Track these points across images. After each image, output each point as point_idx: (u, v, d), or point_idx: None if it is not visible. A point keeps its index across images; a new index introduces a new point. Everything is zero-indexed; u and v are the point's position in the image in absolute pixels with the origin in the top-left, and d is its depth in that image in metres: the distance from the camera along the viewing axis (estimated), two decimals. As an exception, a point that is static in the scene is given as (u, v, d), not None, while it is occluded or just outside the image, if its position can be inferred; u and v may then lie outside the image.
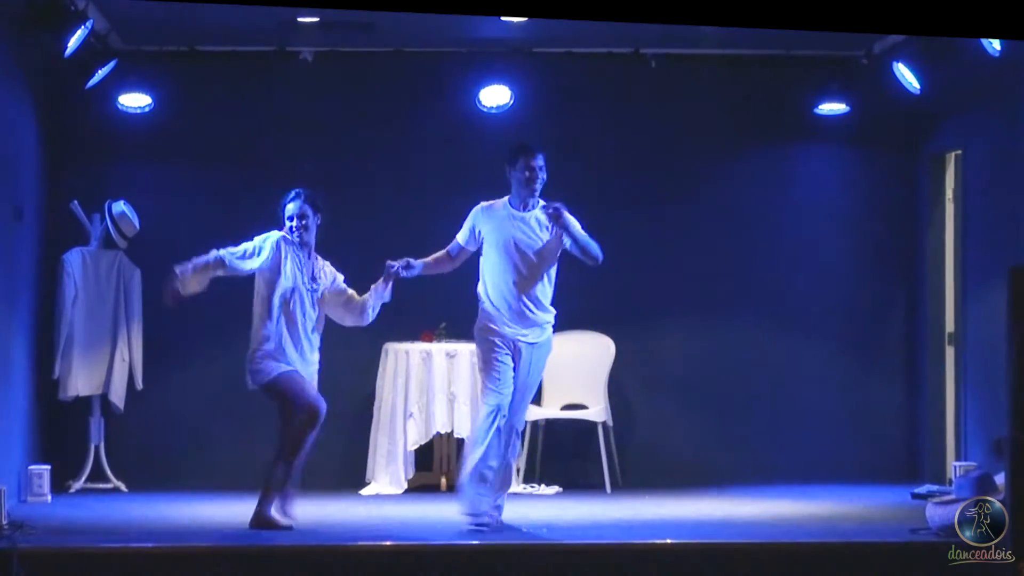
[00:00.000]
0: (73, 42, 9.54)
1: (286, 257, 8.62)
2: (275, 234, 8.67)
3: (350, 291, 8.78)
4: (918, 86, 10.36)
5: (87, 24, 9.58)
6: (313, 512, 9.29)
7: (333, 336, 10.83)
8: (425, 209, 10.91)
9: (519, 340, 8.40)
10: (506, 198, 8.56)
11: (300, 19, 10.05)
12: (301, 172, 10.90)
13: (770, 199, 11.10)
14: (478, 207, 8.60)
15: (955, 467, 9.77)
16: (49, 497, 9.72)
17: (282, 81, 10.82)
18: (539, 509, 9.22)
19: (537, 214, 8.45)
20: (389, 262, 8.64)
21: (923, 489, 9.89)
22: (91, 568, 7.58)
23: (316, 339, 8.77)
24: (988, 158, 9.96)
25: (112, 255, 10.43)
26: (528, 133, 10.83)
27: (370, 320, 8.79)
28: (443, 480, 10.45)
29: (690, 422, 11.02)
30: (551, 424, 10.61)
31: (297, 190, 8.74)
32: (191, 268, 8.53)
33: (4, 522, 8.17)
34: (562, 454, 10.72)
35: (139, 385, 10.44)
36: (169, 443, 10.69)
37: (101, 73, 10.26)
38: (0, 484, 8.34)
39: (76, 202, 10.34)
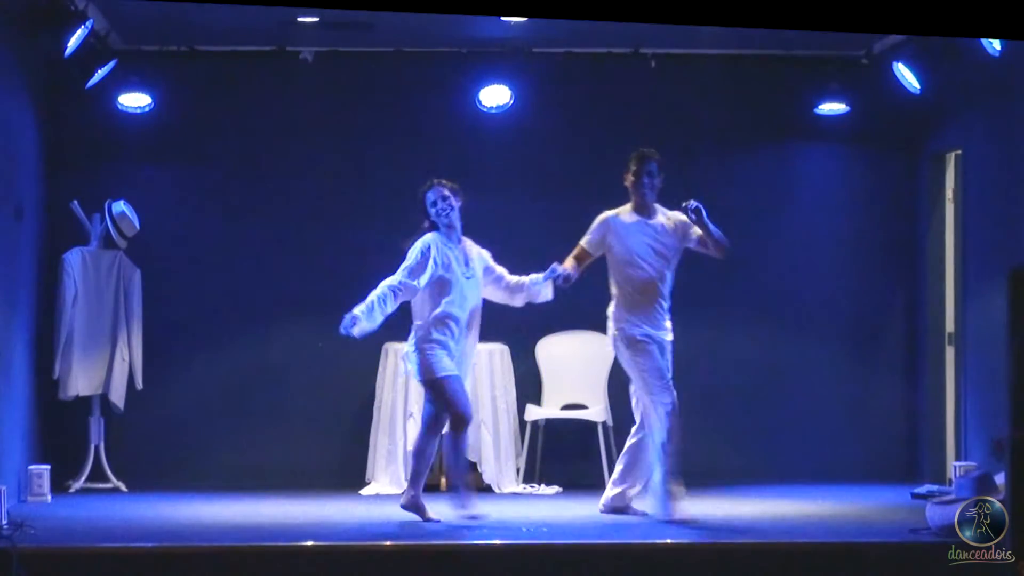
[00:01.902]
0: (73, 42, 9.54)
1: (438, 251, 8.71)
2: (425, 238, 8.76)
3: (499, 268, 8.93)
4: (918, 86, 10.36)
5: (87, 24, 9.59)
6: (313, 512, 9.30)
7: (333, 336, 10.88)
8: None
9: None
10: (629, 205, 8.95)
11: (300, 19, 10.05)
12: (301, 172, 10.92)
13: (770, 199, 11.11)
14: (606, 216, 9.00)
15: (955, 467, 9.77)
16: (49, 497, 9.71)
17: (282, 81, 10.82)
18: (539, 509, 9.23)
19: (661, 219, 8.91)
20: (555, 265, 8.83)
21: (923, 489, 9.89)
22: (91, 568, 7.59)
23: (476, 328, 8.86)
24: (988, 158, 9.96)
25: (112, 255, 10.43)
26: (528, 133, 10.88)
27: (520, 305, 8.97)
28: (443, 480, 10.44)
29: (690, 422, 10.97)
30: (551, 424, 10.61)
31: (431, 180, 8.87)
32: (365, 312, 8.57)
33: (4, 522, 8.17)
34: (562, 454, 10.71)
35: (139, 385, 10.44)
36: (169, 443, 10.69)
37: (101, 73, 10.26)
38: (0, 484, 8.34)
39: (76, 202, 10.34)
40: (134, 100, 10.54)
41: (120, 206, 10.34)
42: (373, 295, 8.60)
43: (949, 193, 10.75)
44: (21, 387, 9.83)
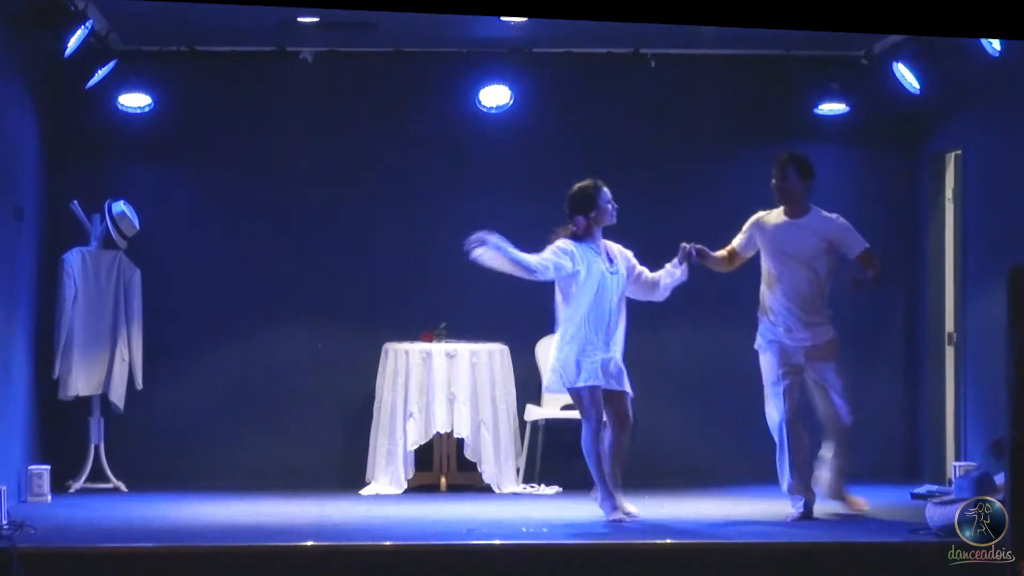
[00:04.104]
0: (73, 42, 9.54)
1: (584, 254, 8.84)
2: (563, 242, 8.84)
3: (639, 267, 9.08)
4: (918, 86, 10.36)
5: (87, 24, 9.59)
6: (313, 512, 9.31)
7: (333, 336, 10.89)
8: (425, 209, 10.91)
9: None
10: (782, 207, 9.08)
11: (300, 19, 10.05)
12: (301, 172, 10.92)
13: (770, 199, 11.06)
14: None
15: (955, 467, 9.77)
16: (49, 497, 9.71)
17: (282, 81, 10.82)
18: (539, 509, 9.22)
19: (812, 221, 9.01)
20: (683, 244, 9.02)
21: (923, 489, 9.89)
22: (91, 568, 7.58)
23: (621, 324, 8.96)
24: (988, 158, 9.97)
25: (112, 255, 10.43)
26: (528, 133, 10.88)
27: (663, 299, 9.16)
28: (443, 480, 10.45)
29: (690, 422, 11.02)
30: (551, 424, 10.60)
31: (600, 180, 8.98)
32: (500, 248, 8.61)
33: (4, 522, 8.17)
34: (562, 454, 10.70)
35: (139, 385, 10.43)
36: (169, 443, 10.69)
37: (101, 73, 10.27)
38: (0, 484, 8.34)
39: (76, 202, 10.34)
40: (134, 100, 10.55)
41: (120, 206, 10.34)
42: (524, 255, 8.69)
43: (949, 193, 10.75)
44: (21, 387, 9.83)
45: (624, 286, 8.96)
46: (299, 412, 10.81)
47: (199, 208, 10.89)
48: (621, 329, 8.96)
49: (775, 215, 9.11)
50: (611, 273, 8.89)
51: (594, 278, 8.81)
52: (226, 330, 10.86)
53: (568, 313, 8.83)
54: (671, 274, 9.06)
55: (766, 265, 9.08)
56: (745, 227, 9.18)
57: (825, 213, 9.07)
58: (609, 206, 8.94)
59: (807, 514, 8.88)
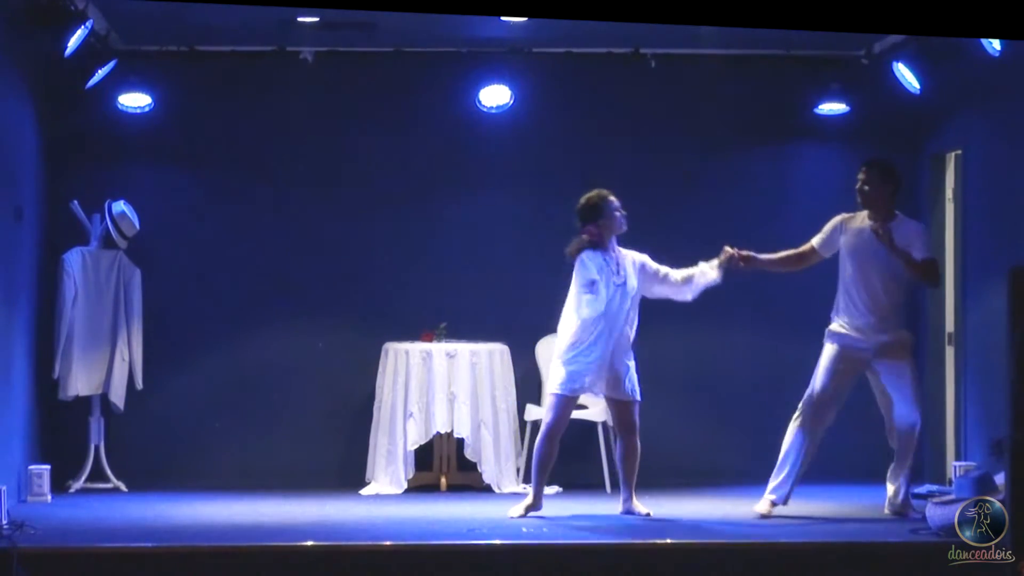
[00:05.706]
0: (73, 42, 9.53)
1: (600, 265, 8.95)
2: (585, 255, 8.95)
3: (663, 269, 9.16)
4: (918, 86, 10.36)
5: (87, 24, 9.58)
6: (313, 512, 9.30)
7: (333, 335, 10.88)
8: (425, 209, 10.91)
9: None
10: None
11: (300, 19, 10.05)
12: (301, 172, 10.92)
13: (770, 199, 11.11)
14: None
15: (955, 467, 9.77)
16: (49, 497, 9.71)
17: (282, 81, 10.82)
18: (539, 509, 9.21)
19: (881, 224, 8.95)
20: (727, 247, 9.09)
21: (923, 489, 9.88)
22: (91, 568, 7.59)
23: (629, 333, 9.07)
24: (988, 158, 9.97)
25: (112, 255, 10.43)
26: (528, 133, 10.88)
27: (692, 299, 9.23)
28: (443, 480, 10.44)
29: (690, 422, 11.01)
30: (551, 424, 10.61)
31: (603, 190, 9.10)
32: None
33: (4, 522, 8.17)
34: (562, 454, 10.68)
35: (139, 385, 10.43)
36: (169, 443, 10.68)
37: (101, 73, 10.26)
38: (0, 484, 8.34)
39: (76, 202, 10.34)
40: (134, 100, 10.54)
41: (120, 206, 10.34)
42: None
43: (949, 193, 10.75)
44: (21, 387, 9.83)
45: (634, 296, 9.03)
46: (299, 412, 10.81)
47: (199, 208, 10.89)
48: (629, 338, 9.06)
49: (859, 219, 9.06)
50: (617, 285, 8.95)
51: (607, 290, 8.90)
52: (226, 330, 10.86)
53: (574, 319, 8.93)
54: (704, 274, 9.11)
55: (846, 267, 9.01)
56: (827, 227, 9.14)
57: (908, 219, 9.06)
58: (617, 214, 9.04)
59: (772, 509, 9.01)
